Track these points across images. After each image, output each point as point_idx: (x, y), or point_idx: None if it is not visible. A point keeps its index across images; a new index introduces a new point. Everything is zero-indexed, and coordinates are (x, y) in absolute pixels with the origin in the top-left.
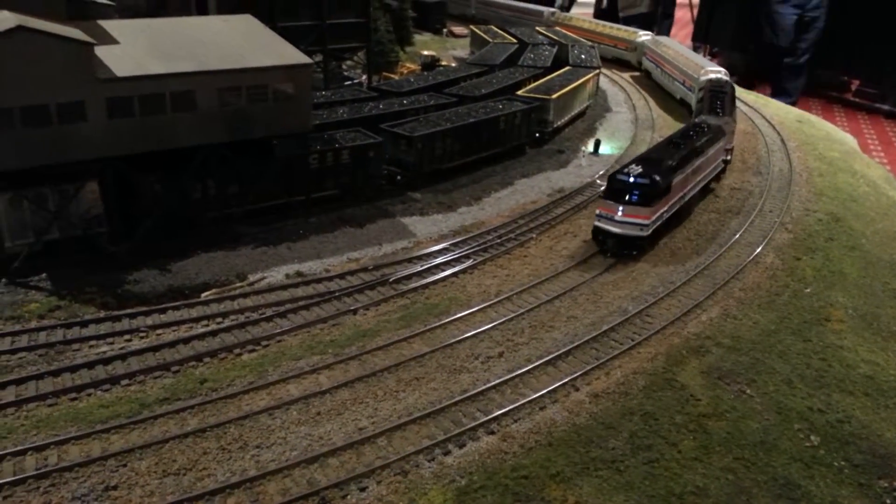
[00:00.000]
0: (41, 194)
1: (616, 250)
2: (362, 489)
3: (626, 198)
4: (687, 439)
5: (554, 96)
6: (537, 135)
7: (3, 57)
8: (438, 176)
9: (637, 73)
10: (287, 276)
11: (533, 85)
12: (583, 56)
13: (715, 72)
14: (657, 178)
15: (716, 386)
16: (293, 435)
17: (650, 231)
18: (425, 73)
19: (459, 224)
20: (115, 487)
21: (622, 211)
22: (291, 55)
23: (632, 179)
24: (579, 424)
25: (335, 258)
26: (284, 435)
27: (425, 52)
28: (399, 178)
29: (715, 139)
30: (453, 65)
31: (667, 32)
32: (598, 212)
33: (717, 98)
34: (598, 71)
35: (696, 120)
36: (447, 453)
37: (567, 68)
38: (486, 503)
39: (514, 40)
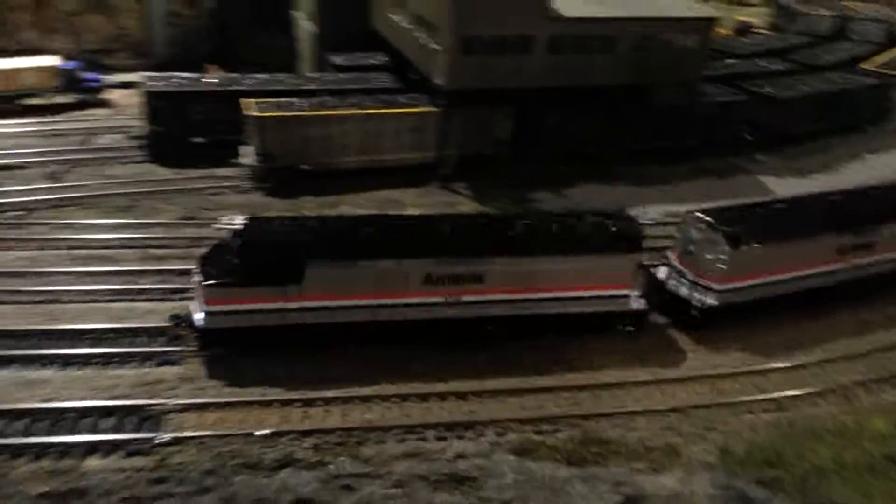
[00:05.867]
0: (470, 114)
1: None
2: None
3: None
4: None
5: None
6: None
7: None
8: (785, 140)
9: None
10: (663, 213)
11: (879, 60)
12: None
13: None
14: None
15: None
16: None
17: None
18: (740, 38)
19: (812, 188)
20: None
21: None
22: (698, 9)
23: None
24: None
25: (697, 205)
26: None
27: (739, 18)
28: (749, 137)
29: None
30: (763, 31)
31: None
32: None
33: None
34: None
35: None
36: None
37: None
38: None
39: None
